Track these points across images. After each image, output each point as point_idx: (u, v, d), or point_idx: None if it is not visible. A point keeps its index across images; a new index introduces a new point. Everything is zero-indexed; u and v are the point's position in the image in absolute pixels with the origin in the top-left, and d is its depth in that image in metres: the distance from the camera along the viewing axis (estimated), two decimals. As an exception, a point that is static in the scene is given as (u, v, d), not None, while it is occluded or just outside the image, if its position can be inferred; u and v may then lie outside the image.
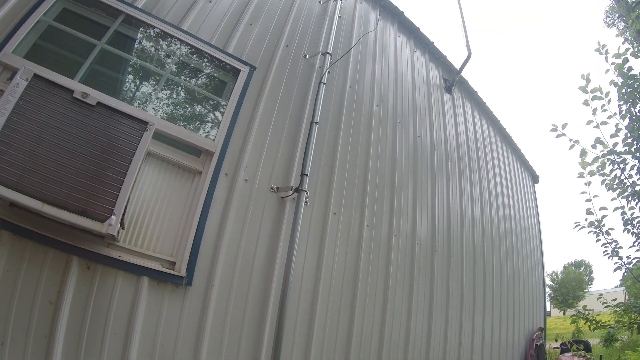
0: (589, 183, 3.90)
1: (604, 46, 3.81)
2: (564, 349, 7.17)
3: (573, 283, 40.11)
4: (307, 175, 3.41)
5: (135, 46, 3.24)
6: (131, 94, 3.14)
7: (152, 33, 3.30)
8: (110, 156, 2.40)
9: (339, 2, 4.80)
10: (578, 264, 48.98)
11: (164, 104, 3.25)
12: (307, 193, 3.39)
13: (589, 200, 3.91)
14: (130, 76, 3.18)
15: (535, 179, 10.01)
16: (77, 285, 2.38)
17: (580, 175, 3.89)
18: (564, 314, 39.25)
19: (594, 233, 3.98)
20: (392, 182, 4.56)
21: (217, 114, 3.38)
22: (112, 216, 2.29)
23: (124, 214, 2.41)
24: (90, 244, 2.44)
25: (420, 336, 4.44)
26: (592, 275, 48.09)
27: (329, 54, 4.15)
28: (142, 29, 3.25)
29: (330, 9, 4.83)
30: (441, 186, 5.45)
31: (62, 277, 2.35)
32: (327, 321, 3.48)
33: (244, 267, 3.07)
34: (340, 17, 4.78)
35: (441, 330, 4.77)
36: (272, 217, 3.34)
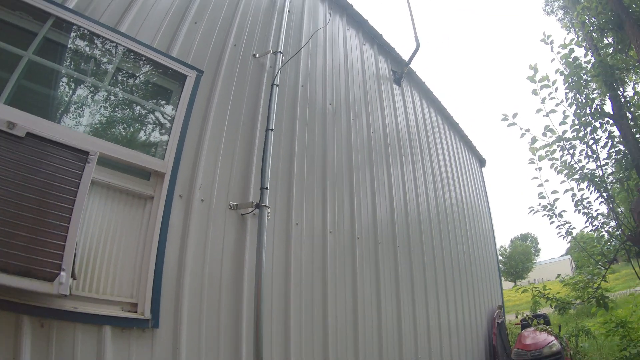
0: (540, 169, 4.22)
1: (549, 36, 4.12)
2: (524, 324, 7.70)
3: (521, 255, 43.81)
4: (267, 188, 3.30)
5: (68, 55, 2.87)
6: (67, 113, 2.79)
7: (86, 38, 2.94)
8: (48, 198, 2.10)
9: None
10: (524, 237, 53.54)
11: (104, 121, 2.93)
12: (268, 208, 3.29)
13: (540, 185, 4.23)
14: (65, 90, 2.82)
15: (482, 162, 10.67)
16: (33, 347, 2.13)
17: (531, 161, 4.19)
18: (515, 284, 42.75)
19: (547, 216, 4.32)
20: (350, 181, 4.59)
21: (165, 128, 3.13)
22: (62, 272, 2.03)
23: (73, 264, 2.15)
24: (40, 299, 2.16)
25: (392, 323, 4.60)
26: (539, 246, 52.89)
27: (280, 52, 4.01)
28: (74, 34, 2.88)
29: (279, 3, 4.65)
30: (397, 176, 5.60)
31: (15, 340, 2.07)
32: (302, 328, 3.48)
33: (211, 295, 2.92)
34: (289, 11, 4.64)
35: (409, 316, 4.98)
36: (234, 236, 3.21)
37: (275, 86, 3.78)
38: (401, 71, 6.63)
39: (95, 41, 2.98)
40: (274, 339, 3.25)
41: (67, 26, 2.84)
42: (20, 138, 2.12)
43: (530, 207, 4.38)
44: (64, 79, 2.84)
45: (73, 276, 2.20)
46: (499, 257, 45.82)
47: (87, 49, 2.96)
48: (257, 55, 3.98)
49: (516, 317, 5.85)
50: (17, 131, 2.12)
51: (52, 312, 2.21)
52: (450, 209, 7.27)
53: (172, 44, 3.34)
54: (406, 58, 6.72)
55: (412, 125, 6.66)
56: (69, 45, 2.89)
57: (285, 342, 3.32)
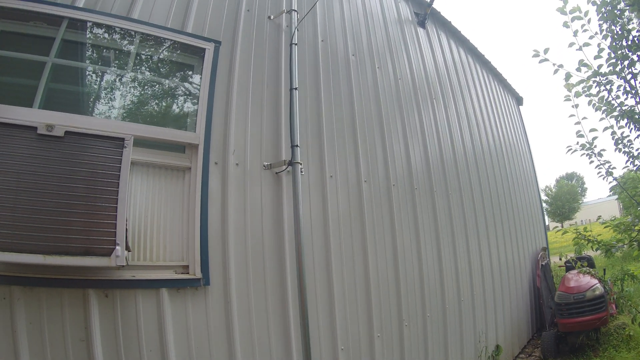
0: (577, 105, 3.95)
1: None
2: (568, 266, 7.55)
3: (567, 196, 42.36)
4: (297, 146, 3.36)
5: (88, 51, 3.01)
6: (98, 104, 2.97)
7: (102, 32, 3.06)
8: (95, 185, 2.32)
9: None
10: (570, 177, 51.47)
11: (134, 106, 3.08)
12: (301, 164, 3.39)
13: (578, 123, 4.00)
14: (92, 85, 2.98)
15: (519, 100, 10.20)
16: (101, 316, 2.43)
17: (567, 98, 3.94)
18: (562, 226, 41.76)
19: (586, 155, 4.12)
20: (381, 130, 4.57)
21: (192, 101, 3.25)
22: (117, 247, 2.27)
23: (126, 238, 2.40)
24: (101, 273, 2.45)
25: (433, 267, 4.70)
26: (585, 186, 50.77)
27: (295, 10, 3.95)
28: (90, 30, 3.00)
29: None
30: (429, 120, 5.50)
31: (84, 312, 2.39)
32: (344, 276, 3.65)
33: (255, 251, 3.13)
34: None
35: (450, 259, 5.05)
36: (271, 194, 3.35)
37: (293, 45, 3.76)
38: (424, 12, 6.35)
39: (111, 32, 3.09)
40: (318, 288, 3.43)
41: (82, 24, 2.96)
42: (60, 137, 2.33)
43: (568, 147, 4.16)
44: (90, 74, 2.98)
45: (127, 249, 2.45)
46: (544, 198, 44.72)
47: (105, 41, 3.08)
48: (272, 17, 3.95)
49: (560, 259, 5.78)
50: (57, 132, 2.32)
51: (113, 283, 2.48)
52: (487, 149, 7.09)
53: (186, 20, 3.38)
54: None
55: (441, 68, 6.43)
56: (87, 42, 3.01)
57: (328, 290, 3.50)
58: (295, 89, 3.57)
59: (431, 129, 5.49)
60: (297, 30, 3.92)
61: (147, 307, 2.59)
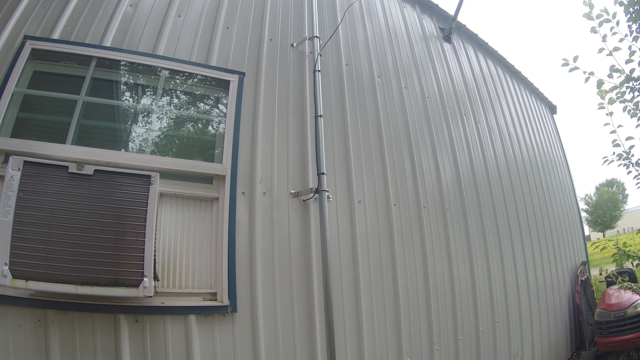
0: (611, 113, 3.76)
1: None
2: (609, 281, 7.17)
3: (608, 203, 40.31)
4: (323, 173, 3.36)
5: (117, 88, 3.16)
6: (127, 140, 3.10)
7: (129, 69, 3.20)
8: (124, 220, 2.44)
9: None
10: (610, 183, 48.98)
11: (162, 139, 3.19)
12: (327, 191, 3.38)
13: (613, 132, 3.82)
14: (121, 120, 3.12)
15: (552, 109, 9.80)
16: (131, 340, 2.54)
17: (601, 106, 3.76)
18: (603, 235, 39.67)
19: (624, 166, 3.92)
20: (410, 151, 4.50)
21: (219, 133, 3.32)
22: (145, 278, 2.38)
23: (154, 269, 2.51)
24: (132, 300, 2.53)
25: (465, 288, 4.55)
26: (626, 192, 48.14)
27: (317, 37, 3.99)
28: (117, 68, 3.16)
29: None
30: (459, 138, 5.38)
31: (115, 335, 2.50)
32: (373, 301, 3.60)
33: (283, 278, 3.15)
34: None
35: (484, 279, 4.88)
36: (299, 222, 3.36)
37: (317, 72, 3.77)
38: (449, 27, 6.26)
39: (138, 69, 3.23)
40: (346, 314, 3.39)
41: (109, 63, 3.14)
42: (90, 175, 2.46)
43: (604, 157, 3.97)
44: (118, 110, 3.12)
45: (156, 278, 2.58)
46: (584, 207, 42.67)
47: (132, 78, 3.23)
48: (295, 44, 3.99)
49: (600, 273, 5.51)
50: (86, 170, 2.45)
51: (143, 309, 2.58)
52: (522, 162, 6.83)
53: (210, 53, 3.48)
54: (452, 12, 6.32)
55: (470, 81, 6.28)
56: (115, 79, 3.17)
57: (357, 314, 3.46)
58: (320, 116, 3.58)
59: (462, 145, 5.37)
60: (321, 56, 3.97)
61: (176, 332, 2.67)
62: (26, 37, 2.94)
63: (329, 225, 3.39)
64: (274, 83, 3.68)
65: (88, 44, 3.10)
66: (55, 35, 3.05)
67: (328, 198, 3.40)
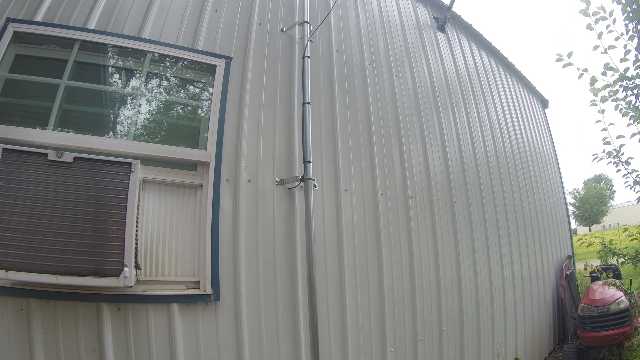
0: (603, 111, 3.76)
1: None
2: (593, 277, 7.23)
3: (595, 198, 40.83)
4: (309, 162, 3.31)
5: (100, 72, 3.07)
6: (109, 125, 3.02)
7: (113, 52, 3.11)
8: (104, 209, 2.39)
9: None
10: (598, 179, 49.57)
11: (145, 124, 3.12)
12: (313, 180, 3.34)
13: (604, 129, 3.81)
14: (104, 105, 3.03)
15: (544, 103, 9.79)
16: (114, 328, 2.53)
17: (593, 103, 3.73)
18: (590, 230, 40.25)
19: (613, 164, 3.91)
20: (399, 141, 4.45)
21: (204, 118, 3.25)
22: (125, 268, 2.34)
23: (136, 257, 2.48)
24: (113, 289, 2.50)
25: (451, 280, 4.57)
26: (613, 189, 48.73)
27: (307, 22, 3.89)
28: (102, 51, 3.06)
29: None
30: (449, 128, 5.34)
31: (98, 324, 2.49)
32: (357, 291, 3.60)
33: (267, 267, 3.12)
34: None
35: (470, 271, 4.89)
36: (284, 210, 3.32)
37: (306, 58, 3.69)
38: (444, 17, 6.16)
39: (122, 53, 3.14)
40: (330, 304, 3.38)
41: (93, 46, 3.05)
42: (70, 163, 2.40)
43: (594, 154, 3.96)
44: (101, 95, 3.03)
45: (138, 267, 2.55)
46: (572, 201, 43.13)
47: (116, 61, 3.14)
48: (284, 29, 3.90)
49: (585, 268, 5.58)
50: (66, 158, 2.39)
51: (126, 297, 2.55)
52: (511, 154, 6.82)
53: (197, 37, 3.39)
54: (447, 2, 6.21)
55: (463, 72, 6.22)
56: (98, 63, 3.08)
57: (341, 304, 3.46)
58: (308, 103, 3.52)
59: (452, 136, 5.33)
60: (311, 42, 3.88)
61: (158, 321, 2.65)
62: (8, 20, 2.86)
63: (315, 215, 3.37)
64: (261, 68, 3.60)
65: (71, 27, 3.01)
66: (39, 18, 2.96)
67: (314, 187, 3.36)
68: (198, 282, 2.87)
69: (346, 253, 3.59)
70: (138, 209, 2.56)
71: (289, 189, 3.37)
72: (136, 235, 2.50)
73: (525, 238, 6.52)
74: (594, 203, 40.93)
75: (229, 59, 3.40)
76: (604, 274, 5.51)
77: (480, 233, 5.27)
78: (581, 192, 44.15)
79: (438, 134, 5.11)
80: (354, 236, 3.70)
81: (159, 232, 2.88)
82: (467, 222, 5.07)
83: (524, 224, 6.54)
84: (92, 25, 3.07)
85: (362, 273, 3.68)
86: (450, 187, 4.94)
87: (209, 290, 2.82)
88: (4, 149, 2.29)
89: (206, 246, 2.89)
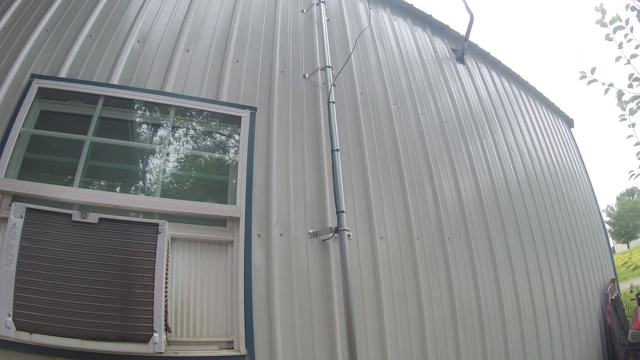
0: (633, 124, 3.63)
1: None
2: None
3: (630, 213, 39.04)
4: (343, 211, 3.14)
5: (125, 127, 3.02)
6: (135, 182, 2.94)
7: (137, 107, 3.07)
8: (131, 271, 2.28)
9: (322, 5, 4.43)
10: (630, 192, 47.63)
11: (172, 180, 3.02)
12: (348, 230, 3.16)
13: (638, 143, 3.64)
14: (129, 162, 2.97)
15: (570, 122, 9.53)
16: None
17: (622, 118, 3.59)
18: (628, 246, 38.33)
19: None
20: (431, 180, 4.26)
21: (231, 171, 3.14)
22: (154, 334, 2.19)
23: (166, 320, 2.32)
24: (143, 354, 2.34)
25: (493, 310, 4.27)
26: None
27: (329, 67, 3.83)
28: (126, 107, 3.02)
29: (315, 15, 4.47)
30: (479, 161, 5.14)
31: None
32: (399, 346, 3.33)
33: (303, 324, 2.92)
34: (328, 20, 4.43)
35: (512, 301, 4.58)
36: (319, 263, 3.14)
37: (331, 103, 3.60)
38: (461, 47, 6.08)
39: (146, 107, 3.09)
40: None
41: (117, 101, 3.01)
42: (94, 224, 2.30)
43: (630, 172, 3.78)
44: (127, 150, 2.97)
45: (168, 329, 2.39)
46: (607, 218, 41.30)
47: (140, 116, 3.09)
48: (307, 76, 3.84)
49: (631, 291, 5.20)
50: (91, 219, 2.29)
51: (156, 359, 2.35)
52: (543, 179, 6.54)
53: (220, 88, 3.34)
54: (463, 33, 6.13)
55: (486, 101, 6.07)
56: (123, 118, 3.03)
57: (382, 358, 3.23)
58: (337, 150, 3.38)
59: (482, 167, 5.11)
60: (334, 86, 3.80)
61: (190, 386, 2.43)
62: (33, 76, 2.87)
63: (351, 265, 3.16)
64: (287, 117, 3.51)
65: (95, 82, 3.00)
66: (63, 74, 2.97)
67: (349, 237, 3.17)
68: (232, 342, 2.67)
69: (385, 305, 3.36)
70: (167, 270, 2.44)
71: (323, 240, 3.20)
72: (165, 296, 2.37)
73: (566, 263, 6.15)
74: (629, 218, 39.04)
75: (253, 109, 3.33)
76: None
77: (519, 265, 4.95)
78: (615, 208, 42.27)
79: (469, 167, 4.90)
80: (392, 286, 3.47)
81: (190, 290, 2.72)
82: (507, 255, 4.77)
83: (562, 248, 6.18)
84: (115, 80, 3.06)
85: (403, 325, 3.43)
86: (486, 222, 4.68)
87: (243, 351, 2.61)
88: (27, 208, 2.22)
89: (239, 304, 2.71)
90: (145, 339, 2.20)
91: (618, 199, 45.24)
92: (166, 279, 2.39)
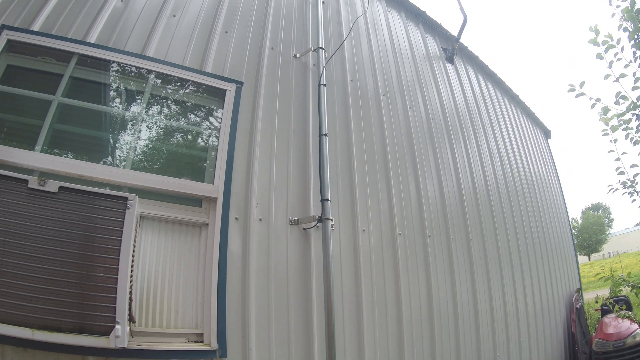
0: (615, 140, 3.67)
1: None
2: (605, 309, 7.00)
3: (594, 227, 40.44)
4: (328, 200, 2.91)
5: (98, 91, 2.68)
6: (105, 151, 2.61)
7: (114, 69, 2.74)
8: (92, 251, 1.96)
9: None
10: (595, 207, 49.34)
11: (145, 152, 2.71)
12: (332, 220, 2.93)
13: (618, 159, 3.66)
14: (100, 128, 2.64)
15: (547, 134, 9.66)
16: None
17: (605, 133, 3.66)
18: (589, 259, 39.72)
19: (628, 194, 3.78)
20: (415, 176, 4.10)
21: (211, 148, 2.86)
22: (117, 326, 1.88)
23: (130, 309, 2.03)
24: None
25: (468, 312, 4.18)
26: (611, 216, 48.31)
27: (322, 48, 3.58)
28: (101, 68, 2.69)
29: None
30: (462, 162, 5.03)
31: None
32: (376, 343, 3.15)
33: (279, 317, 2.69)
34: (323, 2, 4.19)
35: (486, 305, 4.51)
36: (298, 253, 2.90)
37: (322, 86, 3.36)
38: (452, 48, 5.96)
39: (124, 71, 2.78)
40: (348, 357, 2.96)
41: (92, 62, 2.69)
42: (54, 193, 1.97)
43: (609, 186, 3.86)
44: (98, 116, 2.65)
45: (132, 320, 2.10)
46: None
47: (116, 80, 2.77)
48: (298, 55, 3.59)
49: (596, 302, 5.26)
50: (49, 187, 1.97)
51: (117, 352, 2.08)
52: (520, 186, 6.55)
53: (205, 59, 3.05)
54: (455, 33, 6.03)
55: (472, 104, 5.99)
56: (97, 81, 2.71)
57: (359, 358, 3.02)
58: (326, 135, 3.15)
59: (465, 169, 5.00)
60: (326, 69, 3.56)
61: (156, 382, 2.17)
62: (3, 27, 2.52)
63: (332, 258, 2.92)
64: (274, 96, 3.24)
65: (70, 39, 2.66)
66: (36, 27, 2.63)
67: (332, 227, 2.94)
68: (202, 334, 2.40)
69: (364, 299, 3.18)
70: (134, 251, 2.13)
71: (304, 229, 2.96)
72: (131, 282, 2.06)
73: (537, 270, 6.20)
74: (592, 232, 40.38)
75: (239, 83, 3.04)
76: (617, 307, 5.18)
77: (495, 269, 4.91)
78: (579, 222, 43.65)
79: (452, 167, 4.78)
80: (372, 280, 3.29)
81: (157, 276, 2.43)
82: (483, 258, 4.71)
83: (534, 256, 6.22)
84: (92, 39, 2.73)
85: (381, 327, 3.26)
86: (465, 222, 4.58)
87: (214, 345, 2.35)
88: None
89: (211, 293, 2.44)
90: (106, 331, 1.90)
91: (583, 212, 46.85)
92: (132, 261, 2.09)
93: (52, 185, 1.98)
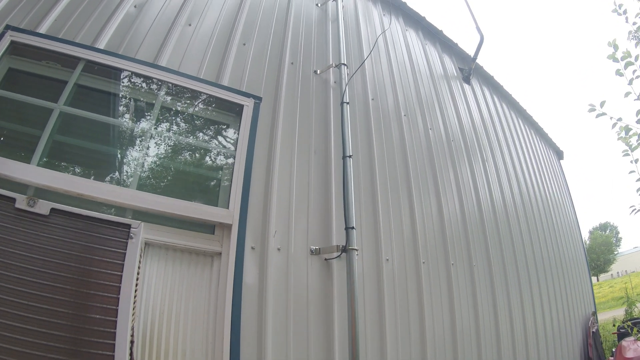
0: (637, 160, 3.50)
1: (620, 5, 3.37)
2: (622, 332, 6.67)
3: (602, 247, 39.95)
4: (353, 228, 2.64)
5: (104, 101, 2.46)
6: (109, 167, 2.37)
7: (122, 79, 2.51)
8: (89, 288, 1.68)
9: (339, 1, 3.99)
10: (603, 227, 48.88)
11: (153, 170, 2.45)
12: (357, 250, 2.64)
13: (639, 180, 3.48)
14: (105, 143, 2.40)
15: (559, 154, 9.52)
16: None
17: (626, 153, 3.50)
18: (597, 279, 39.17)
19: None
20: (437, 202, 3.86)
21: (226, 169, 2.59)
22: None
23: (131, 354, 1.72)
24: None
25: (490, 338, 3.88)
26: (619, 236, 47.84)
27: (345, 64, 3.36)
28: (109, 77, 2.47)
29: (330, 11, 4.03)
30: (483, 185, 4.82)
31: None
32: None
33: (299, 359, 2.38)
34: (343, 19, 4.01)
35: (507, 328, 4.22)
36: (319, 285, 2.62)
37: (345, 104, 3.12)
38: (469, 68, 5.80)
39: (134, 80, 2.55)
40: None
41: (100, 69, 2.46)
42: (45, 217, 1.69)
43: (631, 207, 3.68)
44: (102, 128, 2.41)
45: None
46: (580, 251, 42.37)
47: (125, 90, 2.54)
48: (318, 72, 3.38)
49: (613, 325, 4.97)
50: (40, 208, 1.69)
51: None
52: (537, 208, 6.35)
53: (222, 71, 2.83)
54: (471, 53, 5.91)
55: (489, 125, 5.83)
56: (104, 90, 2.48)
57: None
58: (350, 156, 2.89)
59: (485, 192, 4.77)
60: (348, 87, 3.32)
61: None
62: (7, 27, 2.33)
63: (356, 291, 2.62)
64: (294, 113, 3.00)
65: (77, 43, 2.45)
66: (42, 30, 2.42)
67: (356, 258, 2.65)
68: (212, 380, 2.10)
69: (388, 334, 2.86)
70: (137, 286, 1.84)
71: (326, 259, 2.67)
72: (132, 320, 1.77)
73: (554, 293, 5.91)
74: (600, 252, 39.84)
75: (258, 99, 2.80)
76: (635, 329, 4.87)
77: (514, 291, 4.64)
78: (587, 242, 43.18)
79: (472, 189, 4.54)
80: (396, 314, 2.99)
81: (163, 311, 2.14)
82: (504, 283, 4.44)
83: (552, 279, 5.98)
84: (102, 45, 2.52)
85: (404, 354, 2.93)
86: (487, 247, 4.34)
87: (226, 393, 2.04)
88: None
89: (224, 331, 2.16)
90: (100, 382, 1.57)
91: (591, 232, 46.42)
92: (135, 297, 1.79)
93: (43, 207, 1.71)
